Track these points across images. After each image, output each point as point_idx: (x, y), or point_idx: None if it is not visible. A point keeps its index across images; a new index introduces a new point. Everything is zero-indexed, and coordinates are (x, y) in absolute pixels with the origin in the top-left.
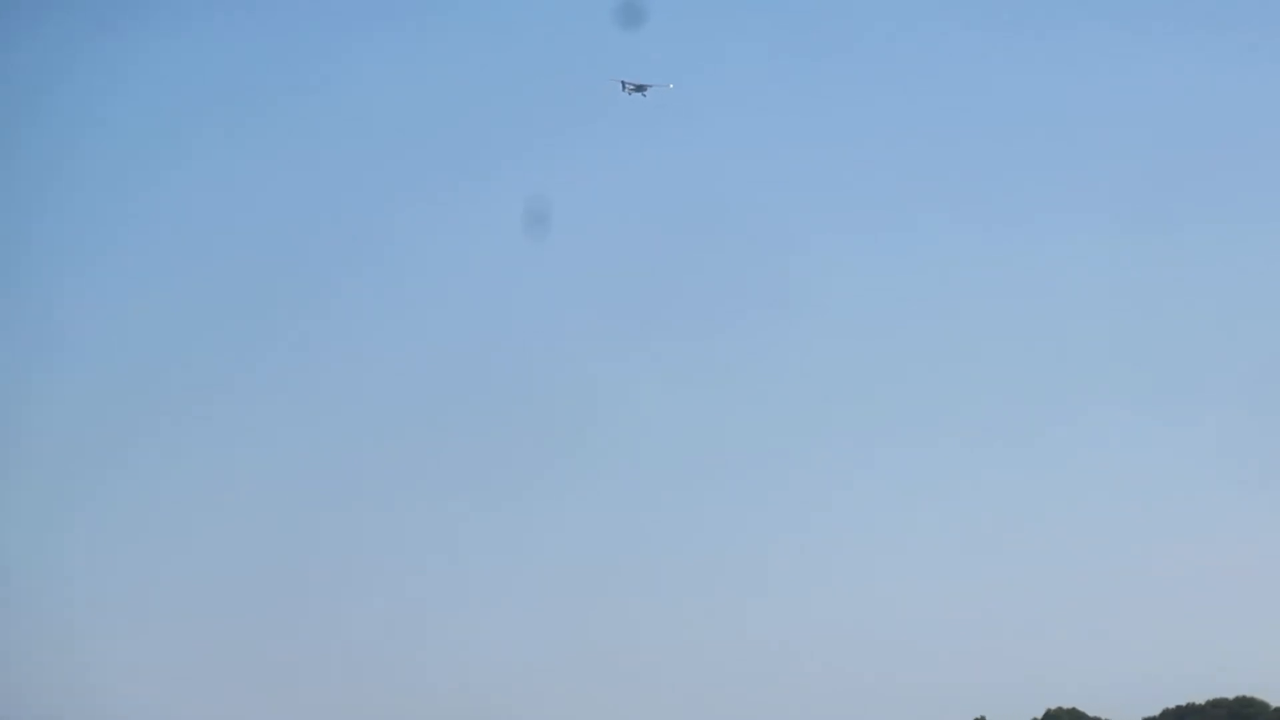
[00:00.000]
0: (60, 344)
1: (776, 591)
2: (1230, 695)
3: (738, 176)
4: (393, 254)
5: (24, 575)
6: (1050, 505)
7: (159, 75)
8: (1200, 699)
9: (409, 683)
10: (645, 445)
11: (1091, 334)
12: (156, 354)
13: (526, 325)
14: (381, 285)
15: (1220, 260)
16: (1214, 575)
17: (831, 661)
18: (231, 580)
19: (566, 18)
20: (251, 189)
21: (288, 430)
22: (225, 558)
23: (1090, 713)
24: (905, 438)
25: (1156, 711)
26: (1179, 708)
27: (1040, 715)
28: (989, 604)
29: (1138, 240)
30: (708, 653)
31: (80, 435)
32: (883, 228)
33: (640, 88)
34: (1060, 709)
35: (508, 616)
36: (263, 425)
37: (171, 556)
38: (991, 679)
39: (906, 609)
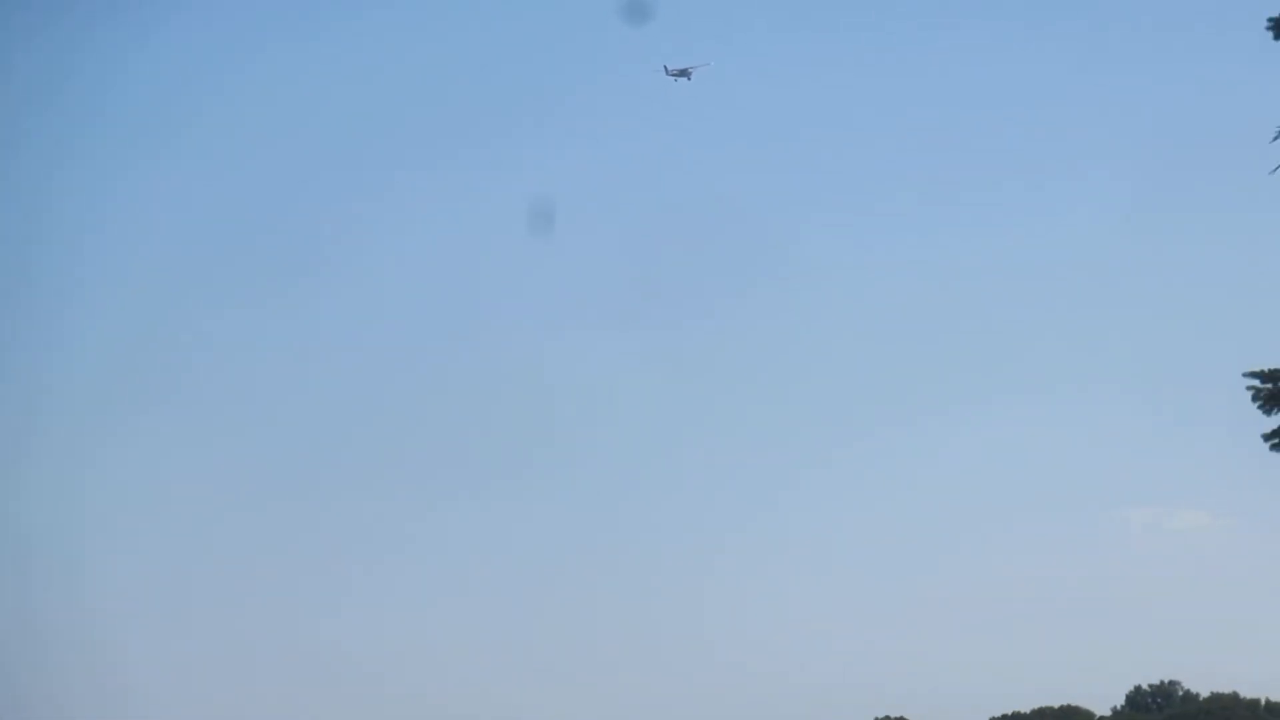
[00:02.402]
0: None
1: (746, 586)
2: (1056, 704)
3: (731, 174)
4: (371, 246)
5: None
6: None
7: (159, 66)
8: (1026, 708)
9: (377, 677)
10: (620, 438)
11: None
12: (148, 347)
13: (503, 317)
14: (360, 277)
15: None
16: (1039, 584)
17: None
18: (199, 576)
19: (572, 11)
20: (244, 179)
21: (268, 425)
22: (190, 553)
23: None
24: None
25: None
26: (1005, 716)
27: None
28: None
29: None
30: (674, 648)
31: (62, 428)
32: (882, 225)
33: (684, 72)
34: (888, 717)
35: (479, 610)
36: (244, 419)
37: (140, 551)
38: (818, 685)
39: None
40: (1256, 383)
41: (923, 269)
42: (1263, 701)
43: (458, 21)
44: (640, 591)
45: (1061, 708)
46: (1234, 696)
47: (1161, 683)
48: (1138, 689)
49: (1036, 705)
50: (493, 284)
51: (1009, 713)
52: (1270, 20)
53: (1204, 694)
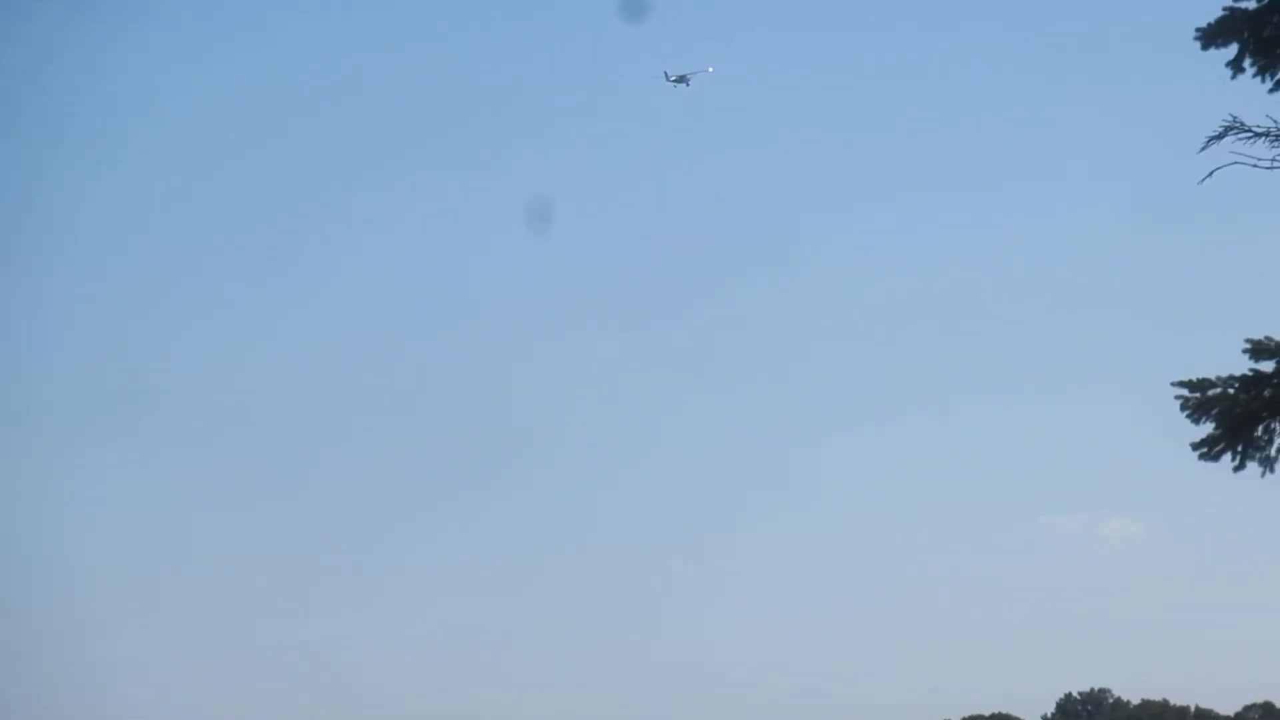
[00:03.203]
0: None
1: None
2: (987, 712)
3: (727, 173)
4: (367, 246)
5: None
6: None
7: (148, 62)
8: (956, 715)
9: (355, 680)
10: (598, 439)
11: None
12: (131, 347)
13: (495, 317)
14: (354, 277)
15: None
16: (968, 591)
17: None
18: (173, 578)
19: (568, 8)
20: (238, 178)
21: (259, 426)
22: (167, 556)
23: None
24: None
25: None
26: None
27: None
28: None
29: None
30: (630, 648)
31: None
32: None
33: (683, 78)
34: None
35: (462, 612)
36: (232, 420)
37: (116, 554)
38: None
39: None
40: (1185, 392)
41: (892, 272)
42: (1192, 708)
43: (455, 21)
44: (611, 592)
45: (993, 715)
46: (1164, 704)
47: (1092, 690)
48: (1068, 696)
49: (968, 713)
50: (485, 283)
51: None
52: (1198, 30)
53: (1134, 701)
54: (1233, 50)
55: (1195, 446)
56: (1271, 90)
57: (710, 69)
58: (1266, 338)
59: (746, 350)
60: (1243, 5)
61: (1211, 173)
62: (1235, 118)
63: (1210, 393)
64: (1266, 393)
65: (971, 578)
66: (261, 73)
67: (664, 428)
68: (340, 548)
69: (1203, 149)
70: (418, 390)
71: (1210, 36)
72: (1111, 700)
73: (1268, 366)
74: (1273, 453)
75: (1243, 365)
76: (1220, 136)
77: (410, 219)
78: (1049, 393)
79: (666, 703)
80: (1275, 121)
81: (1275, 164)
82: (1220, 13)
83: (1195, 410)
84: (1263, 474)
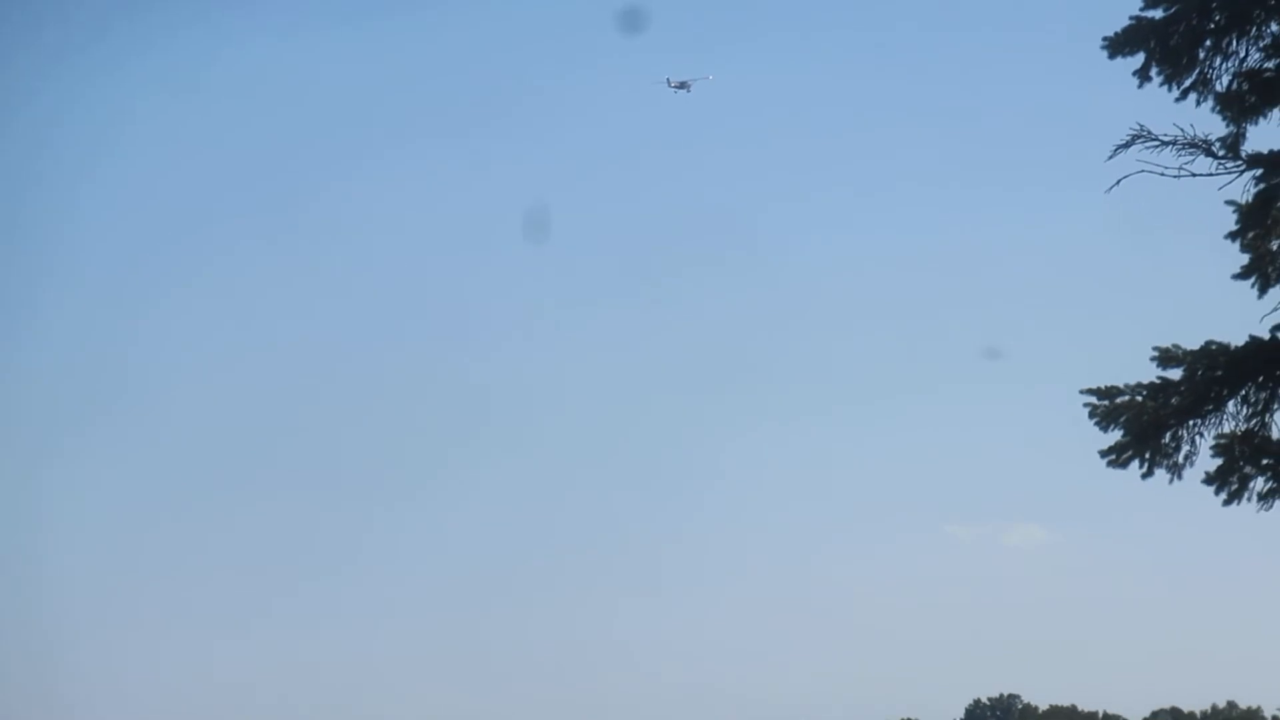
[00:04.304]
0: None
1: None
2: (895, 718)
3: (721, 178)
4: (363, 245)
5: None
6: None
7: (141, 59)
8: None
9: (318, 687)
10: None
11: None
12: (111, 344)
13: (481, 324)
14: (349, 276)
15: None
16: (875, 598)
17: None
18: (118, 574)
19: (565, 19)
20: (231, 176)
21: (249, 427)
22: (107, 553)
23: None
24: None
25: None
26: None
27: None
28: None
29: None
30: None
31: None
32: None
33: (684, 84)
34: None
35: (395, 619)
36: (220, 419)
37: (69, 560)
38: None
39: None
40: (1094, 399)
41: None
42: (1100, 714)
43: (454, 23)
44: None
45: None
46: (1072, 709)
47: (1001, 696)
48: (977, 702)
49: None
50: (471, 287)
51: None
52: (1105, 39)
53: (1043, 707)
54: (1139, 59)
55: (1103, 454)
56: (1178, 99)
57: (710, 76)
58: (1174, 346)
59: (695, 354)
60: (1149, 14)
61: (1119, 181)
62: (1143, 126)
63: (1118, 400)
64: (1174, 400)
65: (878, 584)
66: (253, 74)
67: (613, 430)
68: (318, 548)
69: (1110, 157)
70: (391, 391)
71: (1117, 46)
72: (1020, 706)
73: (1175, 374)
74: (1180, 460)
75: (1151, 373)
76: (1128, 145)
77: (402, 224)
78: (954, 400)
79: (568, 705)
80: (1182, 130)
81: (1182, 172)
82: (1127, 22)
83: (1103, 418)
84: (1170, 481)
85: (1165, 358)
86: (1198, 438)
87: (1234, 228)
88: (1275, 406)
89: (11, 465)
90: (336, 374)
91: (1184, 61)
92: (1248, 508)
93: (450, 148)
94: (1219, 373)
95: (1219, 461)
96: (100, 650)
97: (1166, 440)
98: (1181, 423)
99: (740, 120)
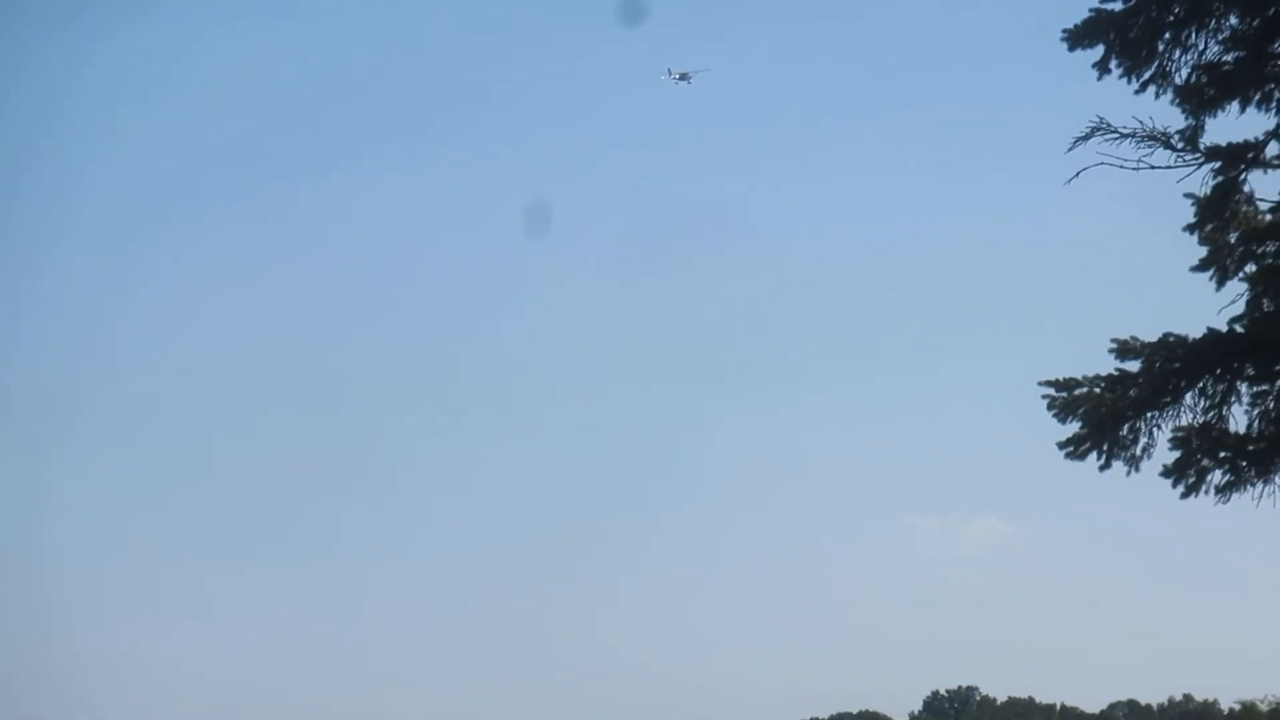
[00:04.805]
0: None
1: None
2: (854, 710)
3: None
4: (361, 245)
5: None
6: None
7: (135, 58)
8: (824, 714)
9: (293, 680)
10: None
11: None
12: (99, 338)
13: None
14: (345, 275)
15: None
16: (834, 590)
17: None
18: (95, 566)
19: (565, 9)
20: (226, 174)
21: (240, 426)
22: (87, 546)
23: None
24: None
25: None
26: None
27: None
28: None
29: None
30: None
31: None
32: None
33: (685, 76)
34: None
35: (369, 617)
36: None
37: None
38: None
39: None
40: (1052, 391)
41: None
42: (1058, 706)
43: (453, 14)
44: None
45: (860, 713)
46: (1030, 701)
47: (959, 688)
48: (935, 694)
49: (835, 711)
50: (470, 283)
51: (807, 719)
52: (1065, 32)
53: (1001, 699)
54: (1099, 52)
55: (1061, 445)
56: (1137, 92)
57: (711, 69)
58: (1132, 338)
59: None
60: (1109, 7)
61: (1078, 173)
62: (1102, 118)
63: (1077, 392)
64: (1132, 392)
65: (838, 576)
66: (248, 71)
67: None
68: (299, 542)
69: (1070, 149)
70: (376, 385)
71: (1077, 38)
72: (979, 698)
73: (1133, 366)
74: (1138, 452)
75: (1109, 365)
76: (1087, 137)
77: (398, 217)
78: (913, 391)
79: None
80: (1141, 122)
81: (1141, 165)
82: (1087, 14)
83: (1062, 410)
84: (1128, 473)
85: (1123, 350)
86: (1155, 430)
87: (1192, 220)
88: (1233, 399)
89: None
90: (325, 367)
91: (1143, 54)
92: (1205, 500)
93: (448, 140)
94: (1177, 365)
95: (1177, 454)
96: (75, 641)
97: (1124, 432)
98: (1139, 415)
99: (739, 109)
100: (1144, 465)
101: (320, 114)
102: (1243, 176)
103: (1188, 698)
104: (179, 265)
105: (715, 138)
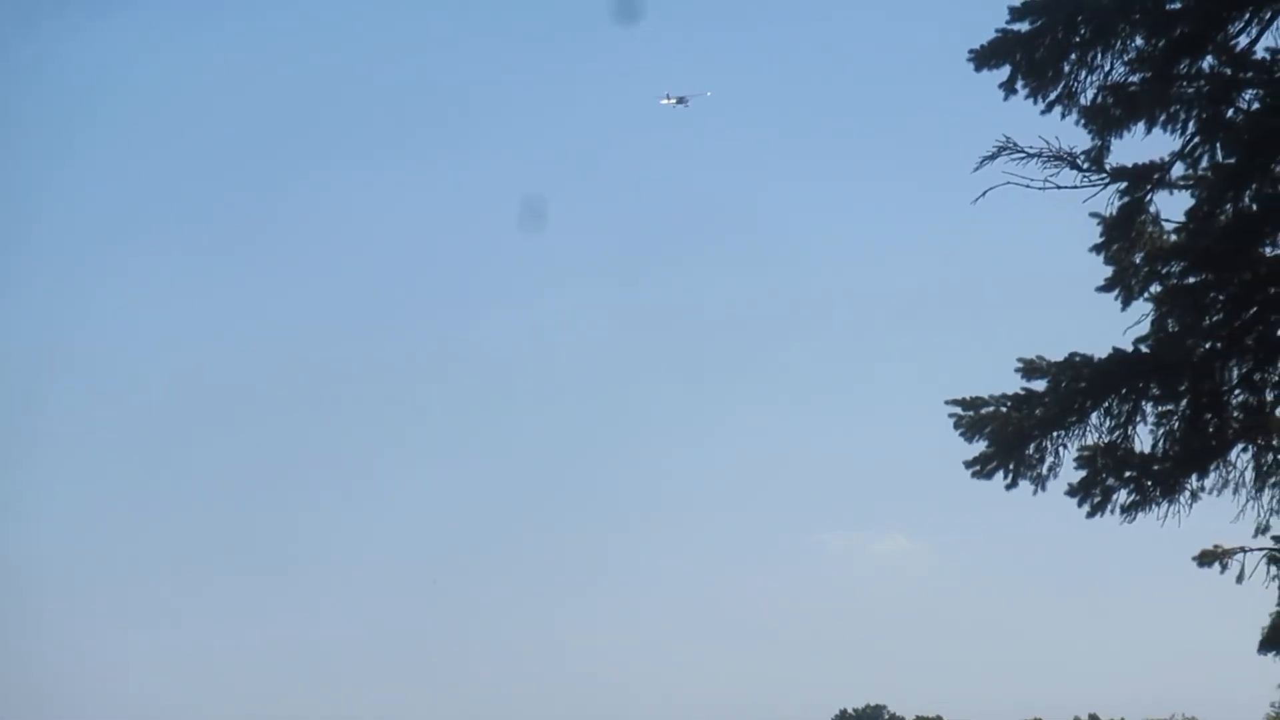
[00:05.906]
0: None
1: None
2: None
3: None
4: (359, 244)
5: None
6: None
7: (131, 57)
8: None
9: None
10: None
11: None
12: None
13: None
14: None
15: None
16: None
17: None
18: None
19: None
20: (222, 173)
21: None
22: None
23: None
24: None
25: None
26: None
27: None
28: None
29: None
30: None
31: None
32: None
33: (682, 99)
34: None
35: (338, 615)
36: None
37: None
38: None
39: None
40: (959, 410)
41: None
42: None
43: (447, 10)
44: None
45: None
46: (939, 719)
47: (867, 706)
48: (843, 712)
49: None
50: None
51: None
52: (971, 52)
53: (909, 717)
54: (1005, 72)
55: (968, 464)
56: (1044, 112)
57: (709, 93)
58: (1038, 357)
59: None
60: (1015, 28)
61: (985, 192)
62: (1009, 138)
63: (983, 411)
64: (1038, 411)
65: (748, 592)
66: (243, 68)
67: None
68: (263, 543)
69: (976, 169)
70: (347, 387)
71: (983, 58)
72: (887, 716)
73: (1039, 386)
74: (1044, 471)
75: (1015, 384)
76: (994, 157)
77: (389, 216)
78: (824, 409)
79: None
80: (1048, 142)
81: (1048, 185)
82: (993, 34)
83: (968, 429)
84: (1035, 492)
85: (1029, 369)
86: (1061, 449)
87: (1098, 240)
88: (1138, 419)
89: None
90: (306, 366)
91: (1049, 75)
92: (1111, 519)
93: (440, 135)
94: (1083, 385)
95: (1082, 473)
96: (45, 645)
97: (1030, 451)
98: (1045, 434)
99: (737, 112)
100: (1050, 484)
101: (313, 109)
102: (1148, 197)
103: (1093, 717)
104: (148, 266)
105: (715, 138)
